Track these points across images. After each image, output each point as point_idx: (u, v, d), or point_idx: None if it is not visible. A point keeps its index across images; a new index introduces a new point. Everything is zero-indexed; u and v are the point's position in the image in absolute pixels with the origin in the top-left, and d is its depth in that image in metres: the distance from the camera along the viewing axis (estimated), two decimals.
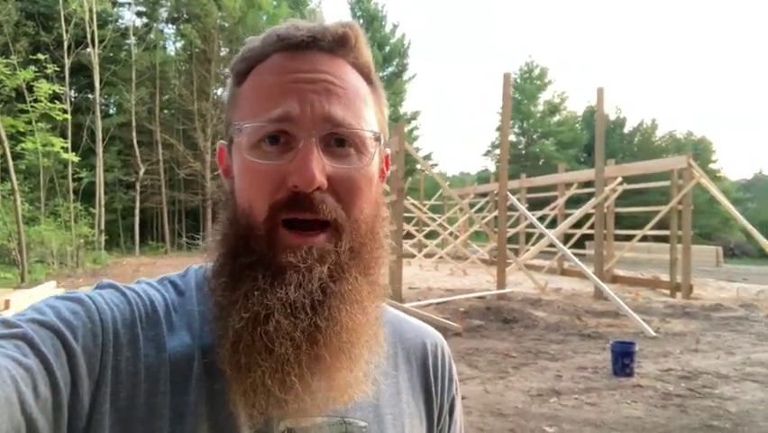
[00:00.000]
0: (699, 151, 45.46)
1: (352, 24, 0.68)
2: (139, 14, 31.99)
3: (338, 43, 0.66)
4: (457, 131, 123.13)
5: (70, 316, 0.58)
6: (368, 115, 0.67)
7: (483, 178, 41.04)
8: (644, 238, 20.05)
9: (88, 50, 24.05)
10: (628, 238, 17.25)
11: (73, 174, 22.37)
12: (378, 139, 0.67)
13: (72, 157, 20.54)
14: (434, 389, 0.80)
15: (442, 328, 8.69)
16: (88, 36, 23.42)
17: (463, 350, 7.36)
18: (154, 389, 0.60)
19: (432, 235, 22.18)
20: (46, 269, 17.21)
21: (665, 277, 14.77)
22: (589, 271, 11.93)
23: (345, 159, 0.64)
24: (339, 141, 0.64)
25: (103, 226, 24.06)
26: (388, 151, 0.75)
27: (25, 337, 0.53)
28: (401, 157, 11.46)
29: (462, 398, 5.34)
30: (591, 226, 14.82)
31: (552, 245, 13.55)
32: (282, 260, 0.61)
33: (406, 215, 21.04)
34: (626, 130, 48.35)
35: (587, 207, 13.93)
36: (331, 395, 0.63)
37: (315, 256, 0.61)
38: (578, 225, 16.98)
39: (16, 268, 15.63)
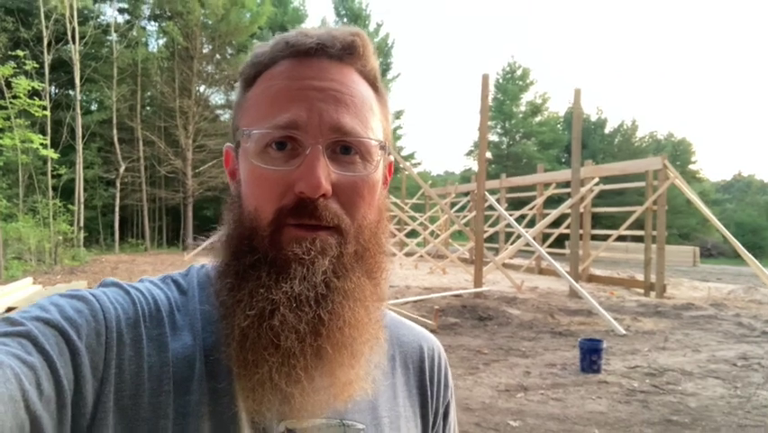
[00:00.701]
0: (680, 152, 46.19)
1: (360, 33, 0.69)
2: (121, 11, 31.65)
3: (346, 51, 0.67)
4: (442, 130, 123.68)
5: (74, 314, 0.58)
6: (374, 124, 0.68)
7: (467, 177, 41.27)
8: (623, 238, 20.36)
9: (69, 46, 23.82)
10: (607, 238, 17.49)
11: (52, 171, 22.10)
12: (383, 147, 0.68)
13: (51, 154, 20.31)
14: (429, 392, 0.80)
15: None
16: (69, 32, 23.19)
17: None
18: (158, 388, 0.60)
19: (413, 234, 22.29)
20: (23, 265, 17.03)
21: (641, 277, 15.01)
22: (565, 270, 12.12)
23: (351, 166, 0.65)
24: (345, 148, 0.65)
25: (82, 223, 23.84)
26: (392, 158, 0.76)
27: (29, 335, 0.53)
28: None
29: None
30: (569, 226, 15.04)
31: (529, 245, 13.72)
32: (287, 252, 0.62)
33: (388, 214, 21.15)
34: (606, 130, 48.86)
35: (563, 208, 14.13)
36: (332, 391, 0.63)
37: (318, 248, 0.62)
38: (556, 224, 17.21)
39: None
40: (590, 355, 6.49)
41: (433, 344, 0.85)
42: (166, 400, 0.60)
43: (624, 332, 8.59)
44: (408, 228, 21.66)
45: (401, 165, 15.81)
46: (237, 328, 0.61)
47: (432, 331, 8.30)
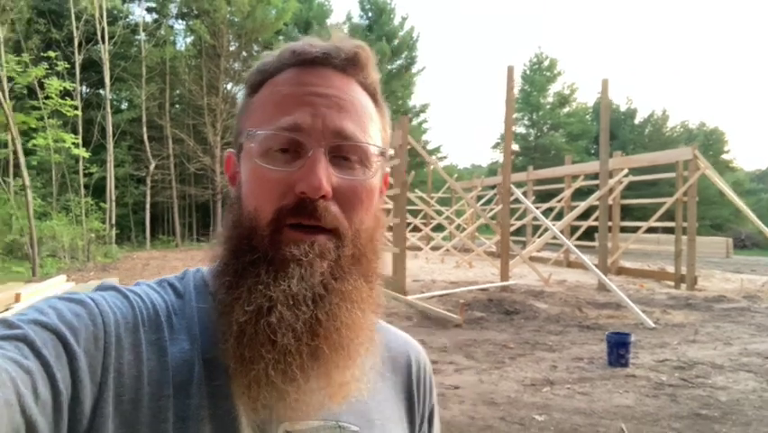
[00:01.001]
0: (712, 141, 45.18)
1: (364, 46, 0.71)
2: (149, 10, 32.12)
3: (350, 62, 0.70)
4: (469, 123, 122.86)
5: (72, 318, 0.58)
6: (373, 132, 0.70)
7: (493, 170, 40.96)
8: (654, 230, 20.01)
9: (99, 46, 24.25)
10: (639, 230, 17.20)
11: (84, 169, 22.57)
12: (383, 154, 0.70)
13: (83, 152, 20.81)
14: (416, 397, 0.83)
15: (442, 320, 8.79)
16: (98, 33, 23.61)
17: (462, 341, 7.45)
18: (158, 393, 0.60)
19: (439, 228, 22.24)
20: (57, 263, 17.43)
21: (672, 269, 14.75)
22: (594, 262, 11.98)
23: (351, 171, 0.67)
24: (346, 153, 0.67)
25: (114, 221, 24.28)
26: (388, 169, 0.78)
27: (26, 339, 0.53)
28: (404, 150, 11.53)
29: (456, 387, 5.49)
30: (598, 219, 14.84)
31: (557, 237, 13.57)
32: (285, 253, 0.63)
33: (413, 208, 21.19)
34: (636, 121, 47.99)
35: (591, 200, 13.94)
36: (328, 392, 0.64)
37: (316, 251, 0.63)
38: (586, 216, 16.98)
39: (28, 262, 15.90)
40: (618, 349, 6.42)
41: (418, 350, 0.88)
42: (166, 404, 0.60)
43: (653, 325, 8.47)
44: (434, 222, 21.62)
45: (426, 160, 15.75)
46: (235, 324, 0.61)
47: (457, 325, 8.34)
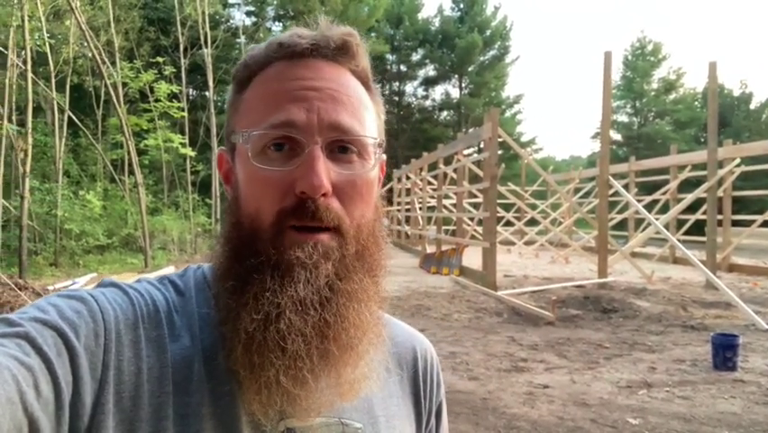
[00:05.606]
0: None
1: (353, 32, 0.70)
2: (248, 14, 33.59)
3: (339, 51, 0.68)
4: (567, 113, 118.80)
5: (73, 315, 0.58)
6: (369, 122, 0.69)
7: (593, 161, 39.37)
8: None
9: (202, 50, 25.52)
10: (752, 224, 15.90)
11: (191, 167, 23.90)
12: (380, 145, 0.69)
13: (189, 152, 22.10)
14: (422, 392, 0.82)
15: (534, 317, 8.58)
16: (202, 38, 24.87)
17: (554, 339, 7.23)
18: (157, 390, 0.60)
19: (533, 222, 21.70)
20: (167, 255, 18.61)
21: None
22: (702, 259, 11.24)
23: (349, 165, 0.66)
24: (343, 147, 0.65)
25: (219, 216, 25.52)
26: (384, 156, 0.76)
27: (27, 336, 0.53)
28: (494, 144, 11.33)
29: (546, 387, 5.35)
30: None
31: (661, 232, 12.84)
32: (290, 256, 0.62)
33: (505, 201, 20.78)
34: (752, 106, 44.38)
35: (698, 192, 13.06)
36: (338, 391, 0.65)
37: (320, 252, 0.62)
38: (694, 210, 15.94)
39: (141, 254, 17.07)
40: (724, 351, 5.99)
41: (425, 344, 0.87)
42: (166, 401, 0.60)
43: (767, 327, 7.84)
44: (528, 216, 21.09)
45: (518, 153, 15.38)
46: (243, 332, 0.61)
47: (549, 323, 8.10)
